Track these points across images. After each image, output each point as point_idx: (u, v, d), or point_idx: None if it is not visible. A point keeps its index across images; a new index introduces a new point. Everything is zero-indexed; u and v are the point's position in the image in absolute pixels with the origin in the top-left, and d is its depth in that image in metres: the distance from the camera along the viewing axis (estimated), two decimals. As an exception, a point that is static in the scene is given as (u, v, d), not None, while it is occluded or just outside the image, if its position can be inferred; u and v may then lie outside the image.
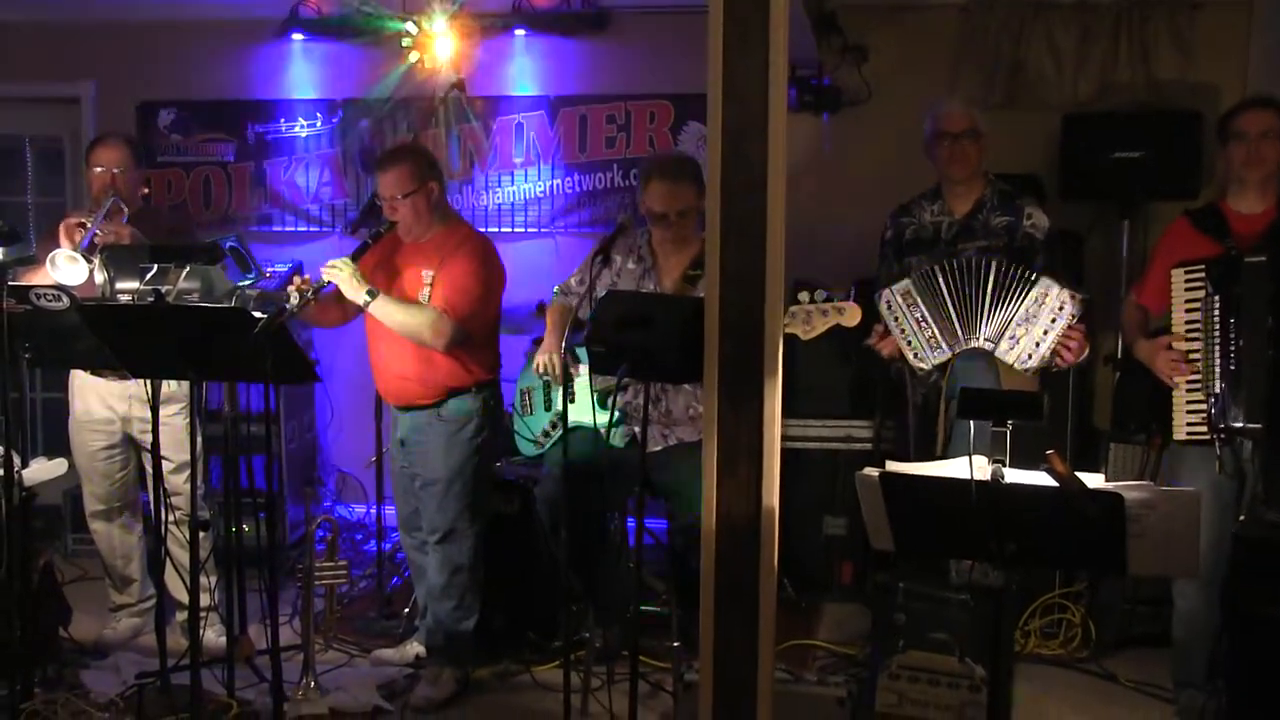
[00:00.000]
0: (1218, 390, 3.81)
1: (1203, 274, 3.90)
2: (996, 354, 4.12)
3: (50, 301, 3.91)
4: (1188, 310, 3.94)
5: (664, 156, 5.56)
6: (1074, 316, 4.04)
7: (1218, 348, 3.83)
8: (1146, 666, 4.51)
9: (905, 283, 4.25)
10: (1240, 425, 3.78)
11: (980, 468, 2.81)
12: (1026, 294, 4.08)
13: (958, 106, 4.44)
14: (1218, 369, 3.83)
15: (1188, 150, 5.32)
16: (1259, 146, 3.97)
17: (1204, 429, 3.85)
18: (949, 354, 4.20)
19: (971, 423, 2.98)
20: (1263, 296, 3.79)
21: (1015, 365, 4.09)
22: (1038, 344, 4.06)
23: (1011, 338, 4.10)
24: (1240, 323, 3.81)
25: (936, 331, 4.20)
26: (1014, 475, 2.82)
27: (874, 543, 3.03)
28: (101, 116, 6.56)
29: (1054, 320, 4.04)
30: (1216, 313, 3.84)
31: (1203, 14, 5.64)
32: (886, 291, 4.28)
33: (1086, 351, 4.13)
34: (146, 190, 4.99)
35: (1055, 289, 4.06)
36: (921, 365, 4.24)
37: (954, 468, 2.91)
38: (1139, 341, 4.16)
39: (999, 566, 2.94)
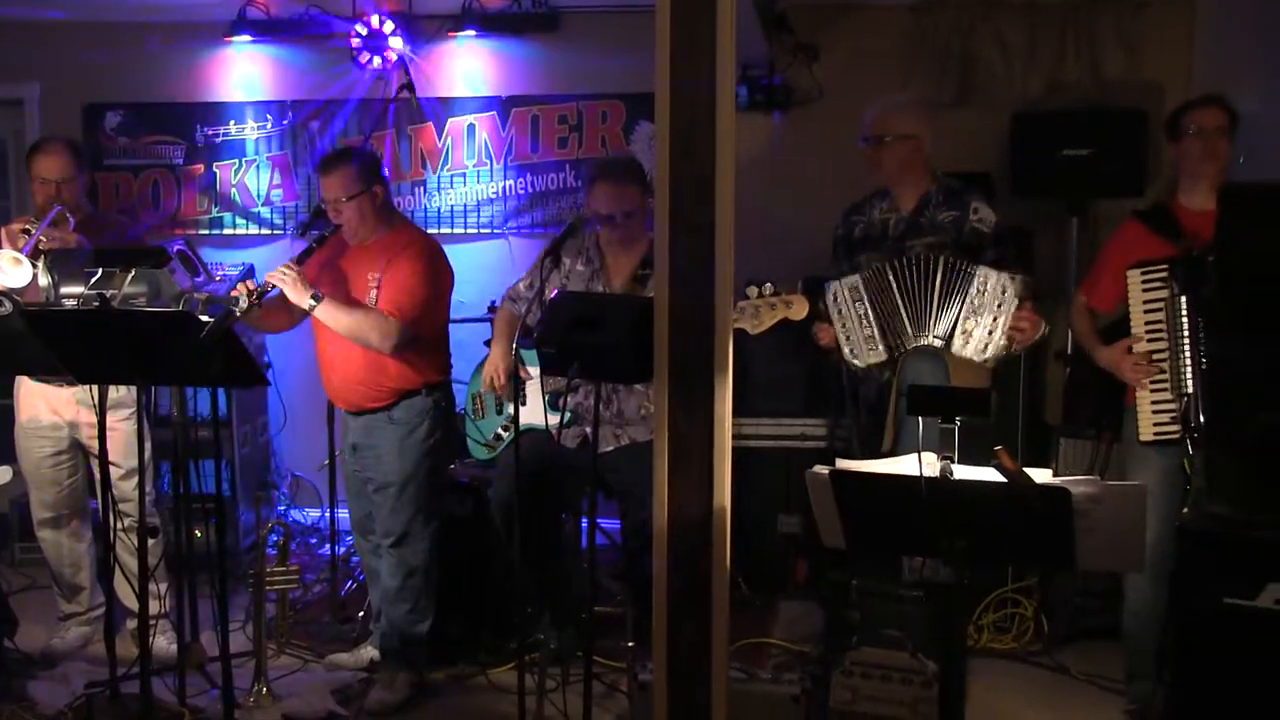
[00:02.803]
0: (1189, 390, 3.82)
1: (1164, 274, 3.89)
2: (953, 350, 4.14)
3: (-8, 307, 3.86)
4: (1147, 311, 3.94)
5: (608, 158, 5.58)
6: (1018, 298, 4.07)
7: (1187, 347, 3.82)
8: (1098, 659, 4.56)
9: (854, 278, 4.25)
10: None
11: (930, 464, 2.82)
12: (969, 287, 4.11)
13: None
14: (1189, 369, 3.81)
15: (1134, 148, 5.38)
16: (1214, 142, 3.99)
17: (1174, 428, 3.85)
18: (884, 355, 4.21)
19: (921, 419, 3.00)
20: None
21: (974, 358, 4.11)
22: (990, 332, 4.08)
23: (964, 333, 4.11)
24: (1209, 322, 3.81)
25: (876, 331, 4.20)
26: (963, 472, 2.84)
27: (825, 540, 3.04)
28: (46, 118, 6.48)
29: (1000, 305, 4.07)
30: (1183, 313, 3.83)
31: (1148, 13, 5.71)
32: (834, 284, 4.28)
33: (1042, 329, 4.15)
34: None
35: (993, 275, 4.09)
36: (855, 362, 4.25)
37: (904, 465, 2.92)
38: (1098, 348, 4.16)
39: (949, 562, 2.96)
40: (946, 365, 4.20)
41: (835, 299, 4.27)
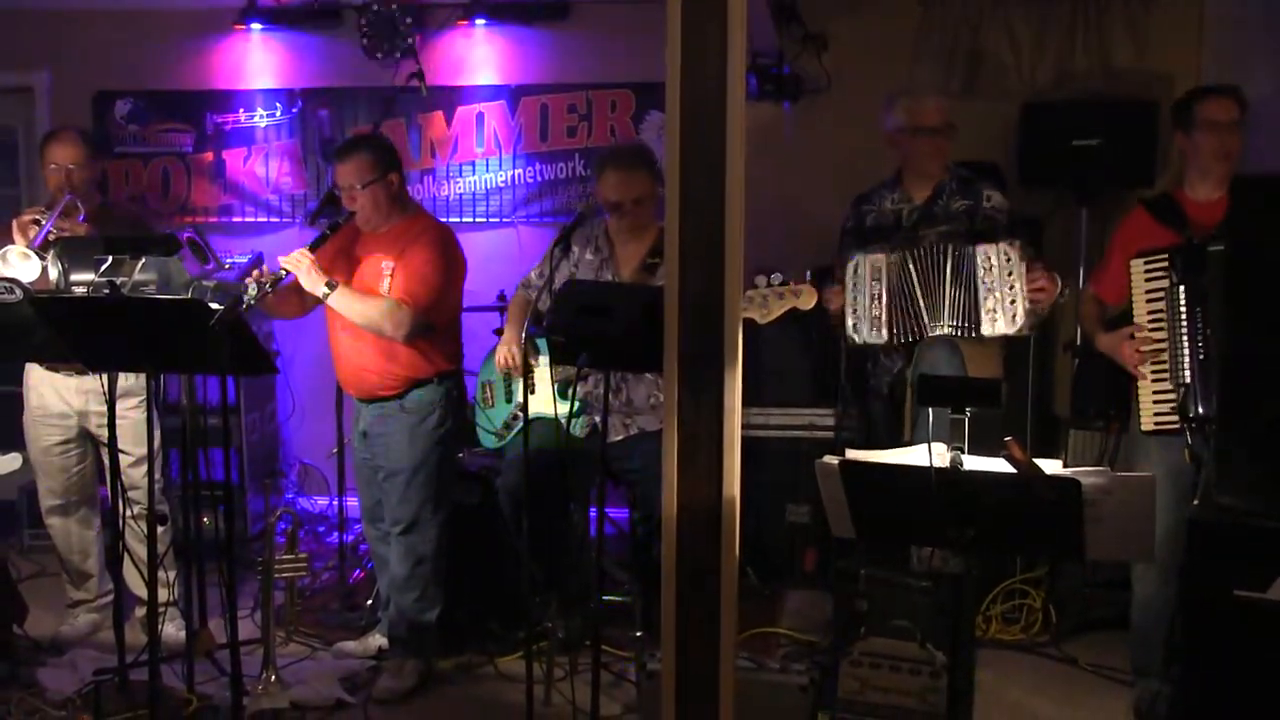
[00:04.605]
0: (1187, 380, 3.81)
1: (1165, 264, 3.88)
2: (984, 332, 4.10)
3: (2, 294, 3.87)
4: (1149, 300, 3.93)
5: (618, 146, 5.57)
6: (1024, 261, 4.06)
7: (1185, 337, 3.81)
8: (1106, 650, 4.56)
9: (879, 257, 4.23)
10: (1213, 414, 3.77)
11: (939, 455, 2.82)
12: (975, 269, 4.10)
13: (932, 100, 4.44)
14: (1186, 358, 3.80)
15: (1144, 138, 5.36)
16: (1227, 137, 3.95)
17: (1173, 419, 3.84)
18: (884, 339, 4.21)
19: (931, 410, 3.00)
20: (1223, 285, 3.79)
21: (1009, 332, 4.08)
22: (1013, 302, 4.06)
23: (990, 313, 4.09)
24: (1208, 312, 3.79)
25: (884, 314, 4.20)
26: (973, 462, 2.84)
27: (835, 530, 3.04)
28: (57, 106, 6.49)
29: (1010, 274, 4.06)
30: (1182, 302, 3.82)
31: (1157, 4, 5.70)
32: (860, 255, 4.26)
33: (1059, 287, 4.13)
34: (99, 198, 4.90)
35: (991, 249, 4.08)
36: (854, 336, 4.24)
37: (913, 455, 2.92)
38: (1100, 334, 4.16)
39: (958, 552, 2.96)
40: (962, 355, 4.20)
41: (855, 270, 4.25)
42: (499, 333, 4.92)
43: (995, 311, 4.09)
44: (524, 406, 3.91)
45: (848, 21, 5.97)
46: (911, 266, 4.18)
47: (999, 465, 2.83)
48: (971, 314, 4.11)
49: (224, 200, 6.57)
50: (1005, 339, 4.20)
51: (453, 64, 6.33)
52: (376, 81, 6.18)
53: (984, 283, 4.10)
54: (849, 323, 4.25)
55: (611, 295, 3.85)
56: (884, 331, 4.20)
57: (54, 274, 4.27)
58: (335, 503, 5.56)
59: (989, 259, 4.09)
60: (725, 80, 2.70)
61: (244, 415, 5.79)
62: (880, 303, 4.20)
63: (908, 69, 5.85)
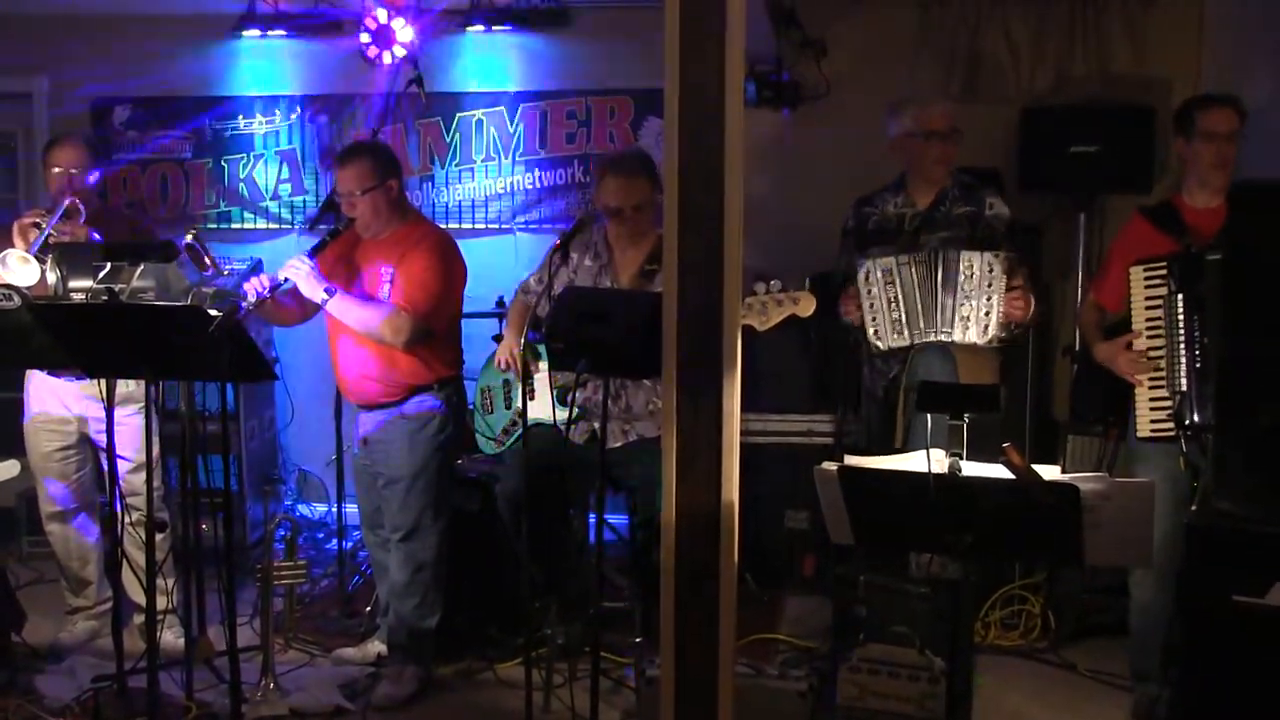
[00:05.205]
0: (1183, 387, 3.81)
1: (1164, 271, 3.89)
2: (955, 339, 4.14)
3: (0, 301, 3.87)
4: (1148, 308, 3.94)
5: (618, 152, 5.56)
6: (1006, 274, 4.08)
7: (1182, 345, 3.81)
8: (1105, 656, 4.55)
9: (889, 260, 4.25)
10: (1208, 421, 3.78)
11: (938, 461, 2.83)
12: (958, 274, 4.12)
13: (939, 106, 4.46)
14: (1183, 366, 3.81)
15: (1142, 144, 5.36)
16: (1225, 148, 3.97)
17: (1169, 425, 3.85)
18: (908, 342, 4.22)
19: (929, 416, 3.00)
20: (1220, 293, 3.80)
21: (977, 341, 4.11)
22: (987, 313, 4.11)
23: (963, 319, 4.14)
24: (1205, 320, 3.80)
25: (904, 316, 4.22)
26: (971, 468, 2.84)
27: (833, 537, 3.04)
28: (55, 113, 6.48)
29: (990, 285, 4.09)
30: (1180, 310, 3.83)
31: (1156, 8, 5.70)
32: (870, 263, 4.28)
33: (1033, 307, 4.16)
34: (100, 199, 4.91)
35: (976, 257, 4.11)
36: (878, 343, 4.26)
37: (912, 461, 2.92)
38: (1098, 343, 4.17)
39: (957, 558, 2.96)
40: (955, 360, 4.20)
41: (869, 278, 4.27)
42: (498, 339, 4.92)
43: (968, 319, 4.12)
44: (523, 412, 3.91)
45: (847, 27, 5.97)
46: (914, 270, 4.20)
47: (997, 471, 2.83)
48: (950, 320, 4.14)
49: (223, 206, 6.57)
50: (1002, 345, 4.21)
51: (452, 70, 6.33)
52: (376, 88, 6.18)
53: (962, 289, 4.13)
54: (870, 330, 4.27)
55: (610, 301, 3.86)
56: (906, 334, 4.22)
57: (52, 279, 4.27)
58: (334, 509, 5.56)
59: (971, 265, 4.12)
60: (724, 87, 2.70)
61: (243, 422, 5.79)
62: (899, 305, 4.22)
63: (907, 74, 5.84)
